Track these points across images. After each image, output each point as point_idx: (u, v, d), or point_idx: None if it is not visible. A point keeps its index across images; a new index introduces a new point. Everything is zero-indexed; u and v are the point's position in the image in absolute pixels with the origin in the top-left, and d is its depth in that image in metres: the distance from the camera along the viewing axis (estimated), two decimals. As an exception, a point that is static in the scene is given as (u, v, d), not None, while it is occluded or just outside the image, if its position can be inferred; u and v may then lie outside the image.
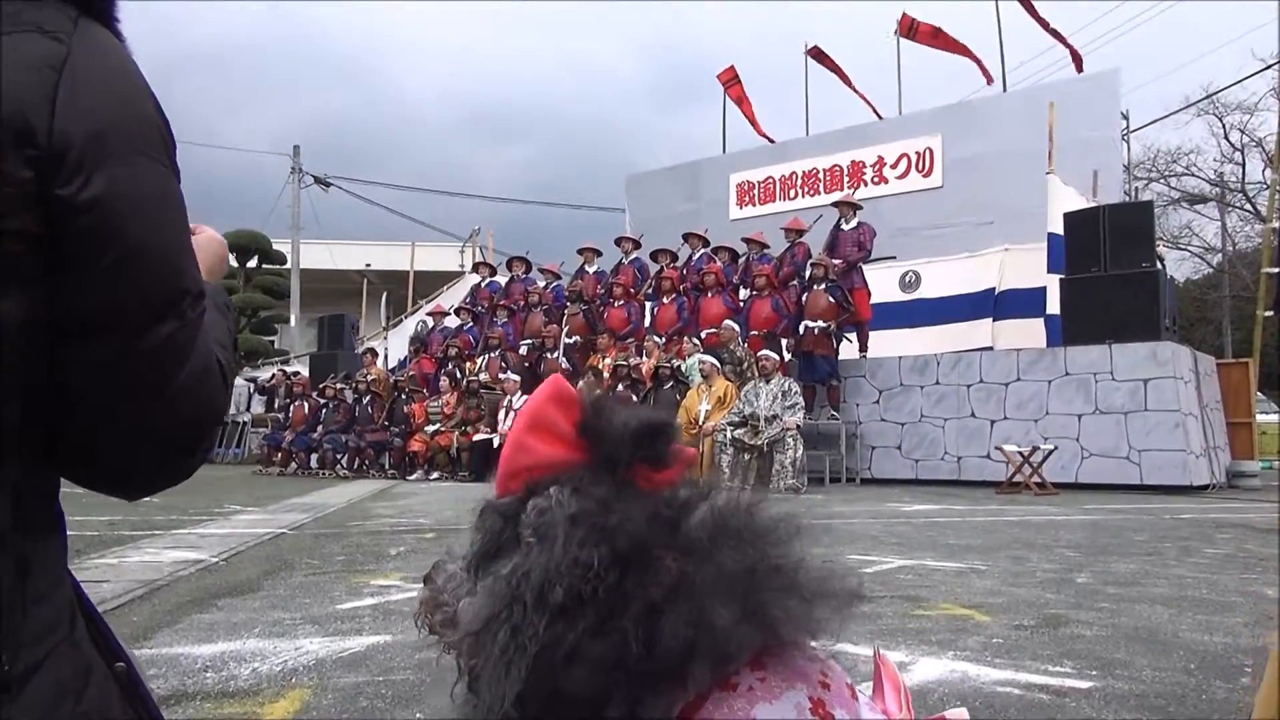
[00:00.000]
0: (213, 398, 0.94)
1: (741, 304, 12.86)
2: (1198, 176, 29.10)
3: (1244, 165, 28.12)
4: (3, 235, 0.78)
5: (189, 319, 0.90)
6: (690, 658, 0.82)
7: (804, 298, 12.08)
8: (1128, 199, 15.52)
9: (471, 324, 16.38)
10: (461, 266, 22.92)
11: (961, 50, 16.78)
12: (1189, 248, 30.98)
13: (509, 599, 0.86)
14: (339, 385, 15.97)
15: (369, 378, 15.56)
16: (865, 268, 12.69)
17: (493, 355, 14.99)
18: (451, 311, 17.27)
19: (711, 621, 0.82)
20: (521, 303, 15.81)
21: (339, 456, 15.04)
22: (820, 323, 11.85)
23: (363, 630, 3.28)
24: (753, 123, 19.21)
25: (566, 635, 0.84)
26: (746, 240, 13.73)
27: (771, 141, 18.96)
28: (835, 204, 13.19)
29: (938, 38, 17.08)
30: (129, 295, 0.85)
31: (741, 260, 13.64)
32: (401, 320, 20.80)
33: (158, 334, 0.87)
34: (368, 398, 15.28)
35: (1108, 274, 10.15)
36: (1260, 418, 13.41)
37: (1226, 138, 28.33)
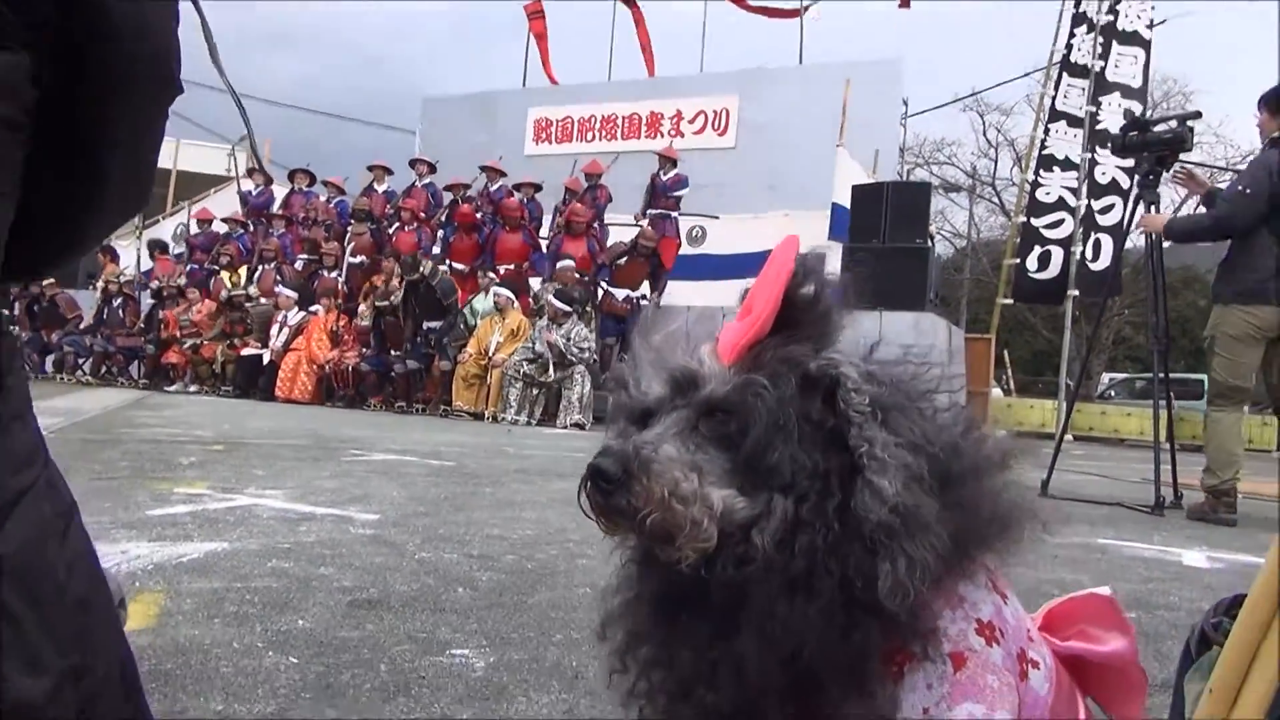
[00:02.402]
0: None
1: (542, 240, 12.77)
2: (956, 166, 31.89)
3: (996, 161, 31.22)
4: None
5: None
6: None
7: (622, 262, 12.06)
8: (899, 179, 16.74)
9: (242, 233, 15.25)
10: (229, 171, 21.19)
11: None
12: (941, 231, 34.04)
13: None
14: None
15: (104, 280, 14.16)
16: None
17: (267, 268, 14.05)
18: (219, 218, 16.00)
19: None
20: (301, 216, 14.89)
21: (80, 361, 13.64)
22: (629, 291, 12.02)
23: (192, 537, 3.05)
24: (544, 61, 18.94)
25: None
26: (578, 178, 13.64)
27: (555, 83, 18.82)
28: (657, 154, 13.35)
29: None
30: None
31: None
32: (159, 221, 19.01)
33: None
34: (118, 300, 13.92)
35: (886, 246, 10.92)
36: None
37: (984, 134, 31.31)
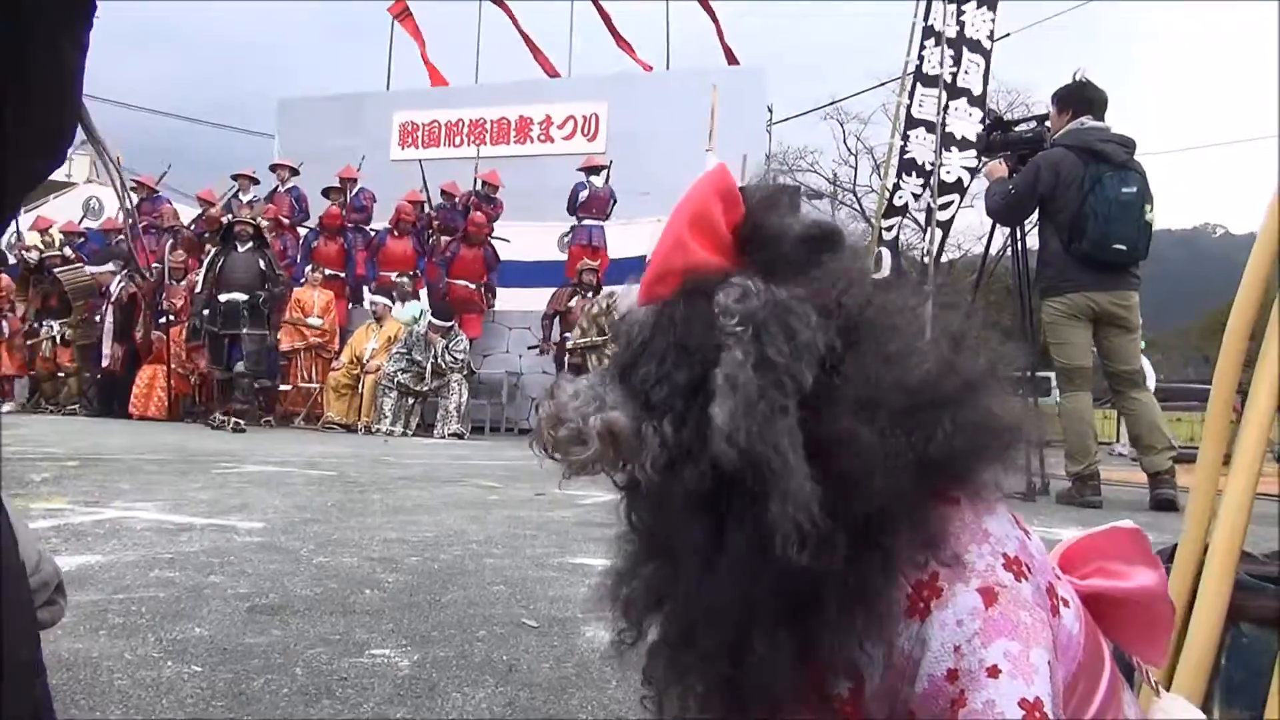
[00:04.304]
0: None
1: (428, 247, 12.48)
2: (818, 174, 32.85)
3: (856, 168, 32.34)
4: None
5: None
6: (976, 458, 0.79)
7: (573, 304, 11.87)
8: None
9: (82, 241, 14.24)
10: (69, 176, 19.85)
11: (623, 44, 17.53)
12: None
13: (765, 388, 0.74)
14: None
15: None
16: (521, 226, 13.03)
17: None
18: (59, 229, 14.91)
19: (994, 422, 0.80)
20: (144, 223, 13.99)
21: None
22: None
23: (59, 551, 2.79)
24: (425, 60, 18.49)
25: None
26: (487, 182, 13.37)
27: (445, 84, 18.40)
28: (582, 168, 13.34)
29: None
30: None
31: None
32: (-10, 230, 17.61)
33: None
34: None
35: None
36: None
37: (845, 142, 32.39)
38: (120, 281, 11.89)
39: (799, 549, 0.70)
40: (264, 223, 10.73)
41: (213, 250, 10.44)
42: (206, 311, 10.06)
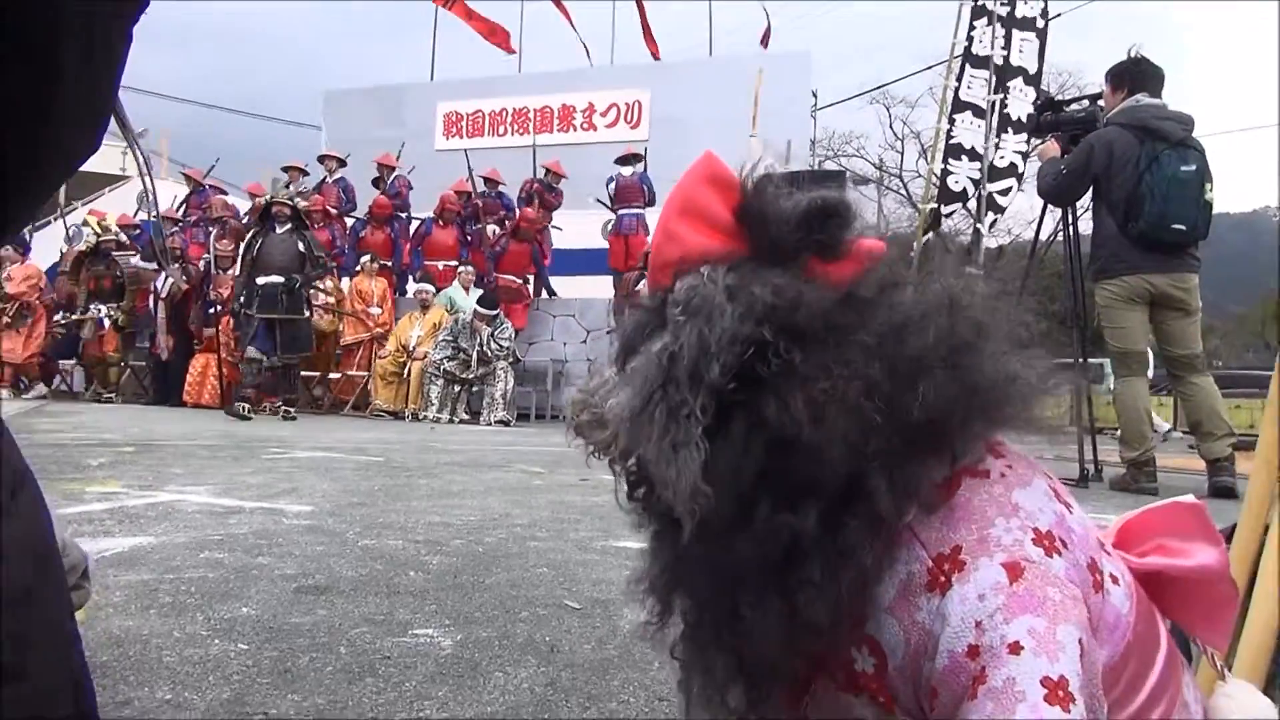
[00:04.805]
0: None
1: (473, 237, 12.57)
2: (865, 159, 32.44)
3: (902, 153, 31.86)
4: None
5: None
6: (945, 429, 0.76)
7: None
8: (813, 169, 16.96)
9: (139, 232, 14.54)
10: (123, 170, 20.23)
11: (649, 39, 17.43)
12: (849, 223, 34.58)
13: (661, 379, 0.76)
14: None
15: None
16: (565, 214, 13.09)
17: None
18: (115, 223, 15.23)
19: (974, 385, 0.76)
20: (194, 219, 14.25)
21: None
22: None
23: (113, 532, 2.85)
24: (490, 37, 18.39)
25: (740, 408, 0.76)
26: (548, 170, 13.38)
27: (512, 51, 18.39)
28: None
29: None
30: None
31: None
32: (50, 223, 18.01)
33: None
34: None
35: (802, 235, 11.03)
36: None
37: (891, 127, 31.92)
38: (168, 276, 12.09)
39: (693, 533, 0.75)
40: (302, 204, 10.56)
41: (250, 233, 10.34)
42: (244, 295, 9.90)
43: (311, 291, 10.46)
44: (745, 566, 0.75)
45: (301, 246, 10.04)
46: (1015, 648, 0.68)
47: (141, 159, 1.09)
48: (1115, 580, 0.80)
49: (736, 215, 0.81)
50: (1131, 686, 0.77)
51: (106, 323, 12.43)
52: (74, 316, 12.56)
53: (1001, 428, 0.81)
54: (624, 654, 1.83)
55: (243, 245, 10.33)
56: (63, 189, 19.33)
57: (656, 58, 17.89)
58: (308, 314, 10.30)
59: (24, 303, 12.34)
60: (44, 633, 0.72)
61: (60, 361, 13.30)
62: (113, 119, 0.80)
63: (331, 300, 11.58)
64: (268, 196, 10.79)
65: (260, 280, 9.78)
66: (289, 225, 10.08)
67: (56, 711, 0.73)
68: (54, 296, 13.02)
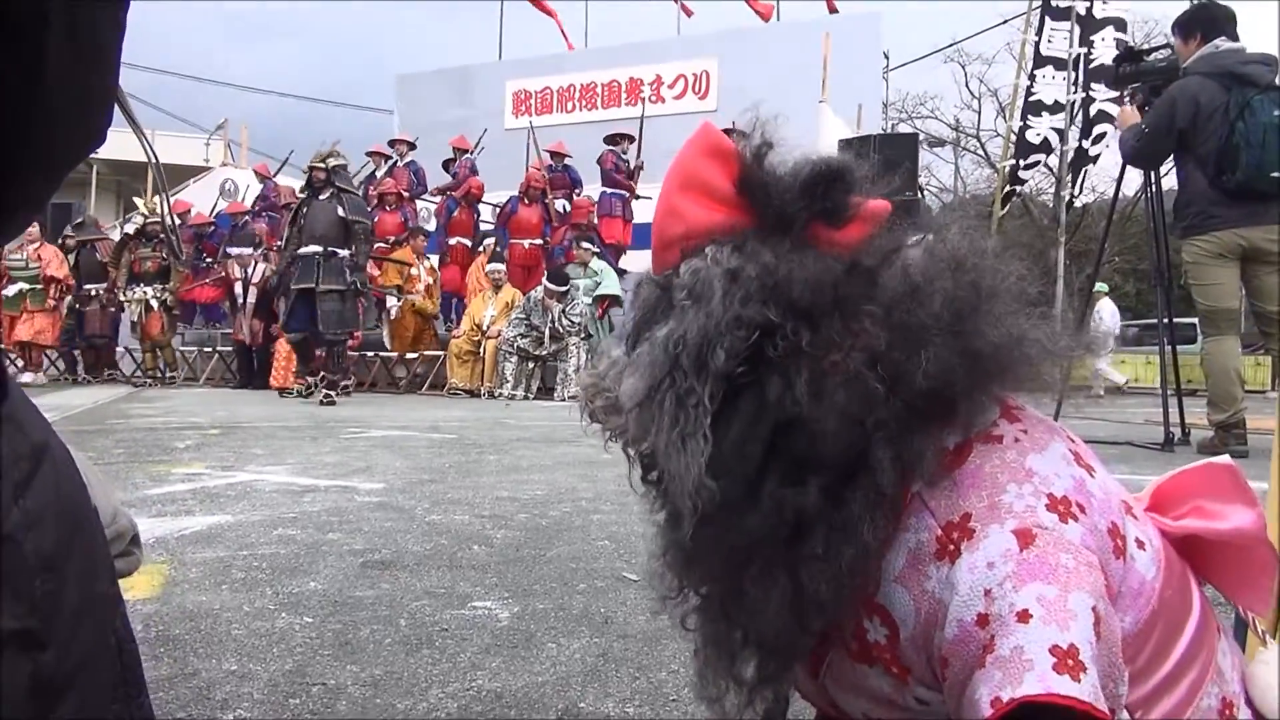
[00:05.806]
0: None
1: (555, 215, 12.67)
2: (940, 120, 31.52)
3: (979, 113, 30.83)
4: None
5: None
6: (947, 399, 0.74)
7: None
8: (885, 133, 16.58)
9: (223, 223, 15.01)
10: (206, 161, 20.88)
11: None
12: (927, 186, 33.66)
13: (668, 366, 0.75)
14: None
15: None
16: (653, 187, 12.86)
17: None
18: (197, 211, 15.73)
19: (977, 350, 0.74)
20: (259, 206, 14.67)
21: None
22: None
23: (193, 512, 2.95)
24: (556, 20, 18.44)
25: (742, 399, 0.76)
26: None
27: (570, 49, 18.44)
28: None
29: None
30: None
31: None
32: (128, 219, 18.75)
33: None
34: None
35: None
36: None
37: (967, 85, 30.91)
38: (258, 263, 12.43)
39: (697, 520, 0.75)
40: (333, 163, 9.72)
41: (297, 204, 9.96)
42: (289, 268, 9.45)
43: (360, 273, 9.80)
44: (751, 544, 0.75)
45: (341, 211, 9.40)
46: (1024, 616, 0.66)
47: (147, 146, 1.10)
48: (1141, 545, 0.77)
49: (738, 186, 0.81)
50: (1158, 652, 0.74)
51: (155, 304, 12.78)
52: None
53: (1011, 390, 0.78)
54: (678, 625, 1.83)
55: (288, 218, 10.09)
56: (149, 180, 20.02)
57: (765, 19, 17.50)
58: (354, 286, 9.51)
59: (63, 285, 12.75)
60: (74, 600, 0.74)
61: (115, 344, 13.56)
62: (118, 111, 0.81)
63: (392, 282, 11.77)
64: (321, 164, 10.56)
65: (303, 251, 9.31)
66: (329, 190, 9.51)
67: (96, 677, 0.75)
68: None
